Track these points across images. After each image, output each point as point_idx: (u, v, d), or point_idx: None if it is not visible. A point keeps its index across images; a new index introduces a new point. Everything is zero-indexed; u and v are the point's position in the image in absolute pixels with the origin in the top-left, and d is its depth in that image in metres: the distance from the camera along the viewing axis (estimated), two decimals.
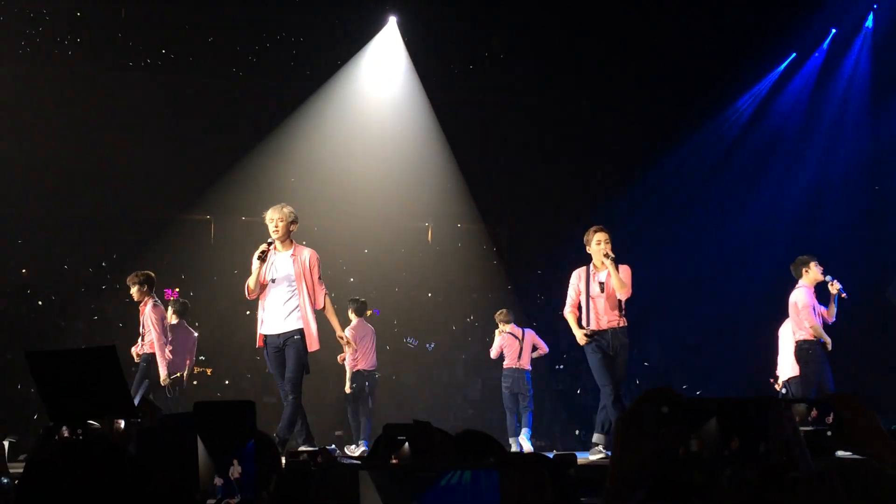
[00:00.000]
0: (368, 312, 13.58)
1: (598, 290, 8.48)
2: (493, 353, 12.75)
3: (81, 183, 16.57)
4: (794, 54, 18.08)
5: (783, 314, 10.91)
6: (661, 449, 1.30)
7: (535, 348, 12.84)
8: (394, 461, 2.63)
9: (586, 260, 8.88)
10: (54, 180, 16.51)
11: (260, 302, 8.20)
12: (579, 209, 17.33)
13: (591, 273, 8.57)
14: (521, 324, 13.28)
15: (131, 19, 16.52)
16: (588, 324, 8.49)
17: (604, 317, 8.47)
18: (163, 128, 16.56)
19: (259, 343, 8.21)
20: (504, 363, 12.62)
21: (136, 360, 10.53)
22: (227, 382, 15.08)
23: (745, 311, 16.17)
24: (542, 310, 17.76)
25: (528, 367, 12.58)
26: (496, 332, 12.84)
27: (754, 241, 17.24)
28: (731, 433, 1.31)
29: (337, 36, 16.92)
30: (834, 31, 17.72)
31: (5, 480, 2.11)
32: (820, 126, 17.86)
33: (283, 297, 8.01)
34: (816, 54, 18.01)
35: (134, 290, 10.19)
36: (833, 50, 17.85)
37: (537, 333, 13.03)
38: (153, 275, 10.42)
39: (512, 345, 12.61)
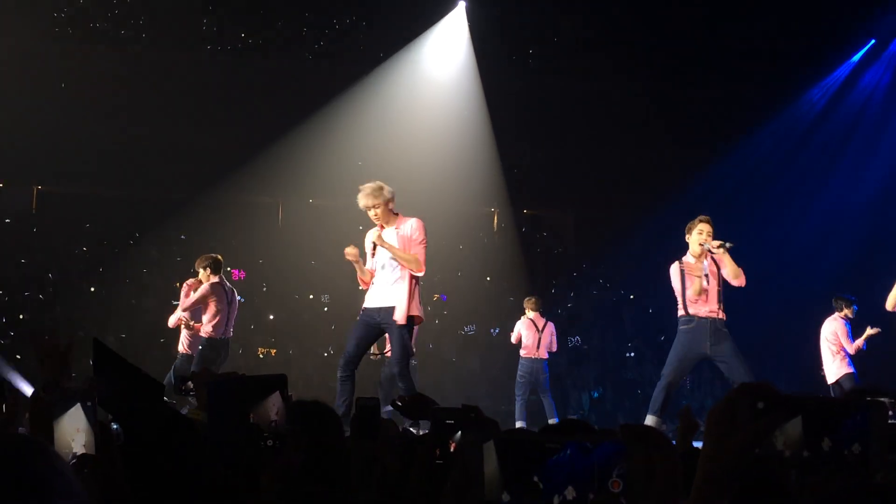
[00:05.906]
0: (435, 297, 13.38)
1: (704, 282, 8.02)
2: (513, 339, 12.38)
3: (152, 165, 16.86)
4: (873, 41, 17.62)
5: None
6: (754, 446, 1.26)
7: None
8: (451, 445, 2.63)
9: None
10: (126, 162, 16.82)
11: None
12: (645, 197, 17.13)
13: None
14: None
15: (204, 4, 16.74)
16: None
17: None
18: (233, 112, 16.76)
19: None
20: (521, 352, 12.24)
21: (185, 350, 10.49)
22: (290, 364, 15.19)
23: (813, 308, 15.80)
24: (607, 295, 17.62)
25: (546, 356, 12.22)
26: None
27: (826, 233, 16.83)
28: (827, 433, 1.26)
29: (404, 20, 16.90)
30: None
31: (115, 426, 2.27)
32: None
33: (391, 276, 7.59)
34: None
35: (202, 274, 10.29)
36: None
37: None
38: (220, 258, 10.49)
39: (531, 333, 12.21)
